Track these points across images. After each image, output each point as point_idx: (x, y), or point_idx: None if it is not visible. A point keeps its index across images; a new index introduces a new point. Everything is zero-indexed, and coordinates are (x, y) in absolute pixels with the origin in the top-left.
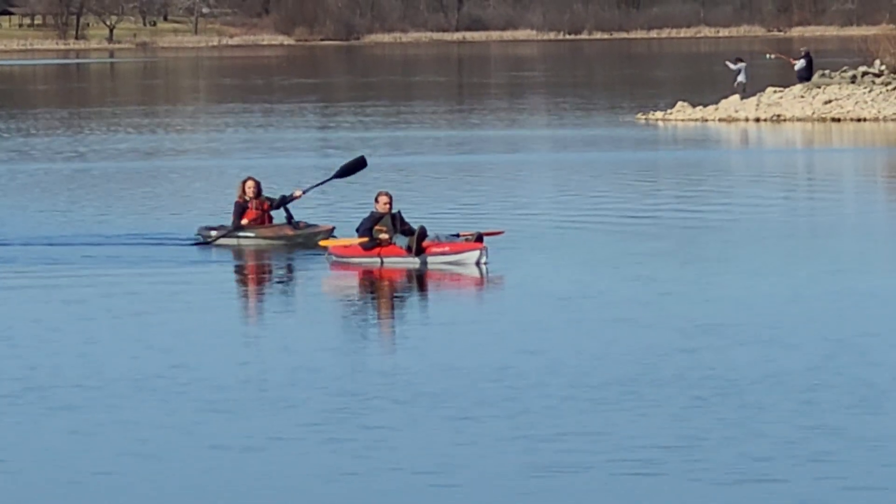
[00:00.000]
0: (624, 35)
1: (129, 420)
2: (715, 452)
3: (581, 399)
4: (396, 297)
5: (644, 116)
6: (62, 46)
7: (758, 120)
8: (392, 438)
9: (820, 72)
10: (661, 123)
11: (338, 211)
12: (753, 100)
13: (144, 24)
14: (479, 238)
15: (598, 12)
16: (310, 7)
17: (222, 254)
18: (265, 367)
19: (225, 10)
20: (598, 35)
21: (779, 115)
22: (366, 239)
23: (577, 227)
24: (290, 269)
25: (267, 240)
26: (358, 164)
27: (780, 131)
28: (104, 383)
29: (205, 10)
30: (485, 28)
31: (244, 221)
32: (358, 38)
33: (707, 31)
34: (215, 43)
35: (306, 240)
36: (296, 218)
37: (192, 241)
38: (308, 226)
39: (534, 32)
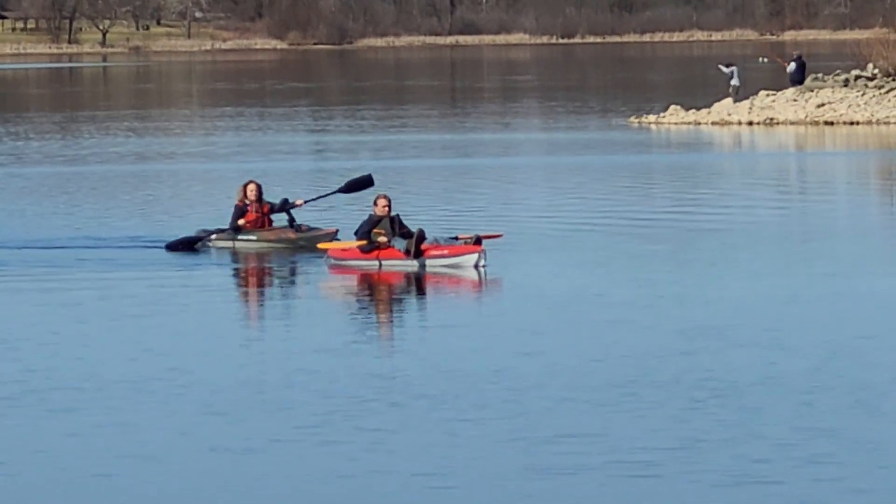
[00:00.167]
0: (617, 39)
1: (127, 422)
2: (713, 454)
3: (579, 401)
4: (395, 300)
5: (637, 120)
6: (55, 50)
7: (751, 123)
8: (390, 441)
9: (813, 75)
10: (653, 127)
11: (337, 214)
12: (746, 103)
13: (137, 29)
14: (477, 241)
15: (590, 16)
16: (303, 11)
17: (221, 256)
18: (263, 369)
19: (218, 14)
20: (591, 39)
21: (772, 119)
22: (364, 242)
23: (573, 230)
24: (288, 271)
25: (269, 243)
26: (364, 183)
27: (772, 135)
28: (102, 386)
29: (198, 15)
30: (478, 32)
31: (241, 221)
32: (351, 43)
33: (700, 35)
34: (208, 47)
35: (308, 243)
36: (297, 221)
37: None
38: (310, 229)
39: (527, 36)
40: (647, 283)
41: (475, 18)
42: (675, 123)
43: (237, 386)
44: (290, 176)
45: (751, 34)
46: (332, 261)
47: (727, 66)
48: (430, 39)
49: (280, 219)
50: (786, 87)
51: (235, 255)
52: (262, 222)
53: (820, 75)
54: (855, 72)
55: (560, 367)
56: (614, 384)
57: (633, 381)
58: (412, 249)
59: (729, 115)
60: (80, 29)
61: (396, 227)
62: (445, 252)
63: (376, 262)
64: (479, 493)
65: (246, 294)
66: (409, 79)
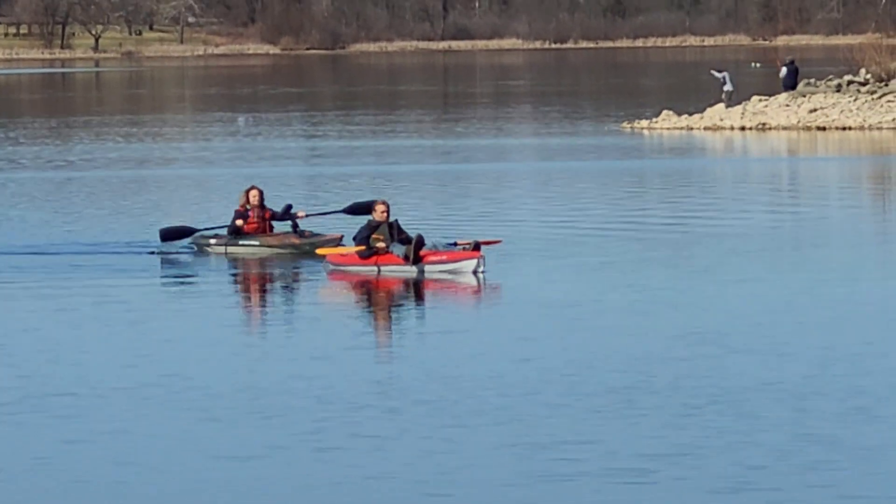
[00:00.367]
0: (610, 44)
1: (122, 429)
2: (708, 460)
3: (576, 407)
4: (393, 305)
5: (630, 125)
6: (48, 56)
7: (743, 129)
8: (386, 447)
9: (805, 80)
10: (646, 132)
11: (338, 220)
12: (739, 108)
13: (130, 34)
14: (476, 247)
15: (583, 21)
16: (295, 16)
17: (219, 263)
18: (260, 375)
19: (211, 19)
20: (584, 44)
21: (764, 124)
22: (363, 247)
23: (569, 236)
24: (286, 277)
25: (272, 248)
26: (368, 209)
27: (765, 140)
28: (99, 392)
29: (190, 20)
30: (470, 37)
31: (239, 222)
32: (343, 48)
33: (692, 40)
34: (201, 52)
35: (312, 249)
36: (301, 227)
37: (191, 249)
38: (313, 235)
39: (519, 41)
40: (644, 289)
41: (468, 23)
42: (668, 129)
43: (234, 392)
44: (284, 182)
45: (743, 39)
46: (331, 266)
47: (719, 71)
48: (422, 44)
49: (280, 225)
50: (778, 93)
51: (235, 260)
52: (264, 228)
53: (812, 80)
54: (847, 77)
55: (557, 373)
56: (611, 390)
57: (629, 388)
58: (411, 255)
59: (721, 120)
60: (73, 34)
61: (395, 232)
62: (444, 258)
63: (375, 268)
64: (476, 499)
65: (243, 300)
66: (402, 84)
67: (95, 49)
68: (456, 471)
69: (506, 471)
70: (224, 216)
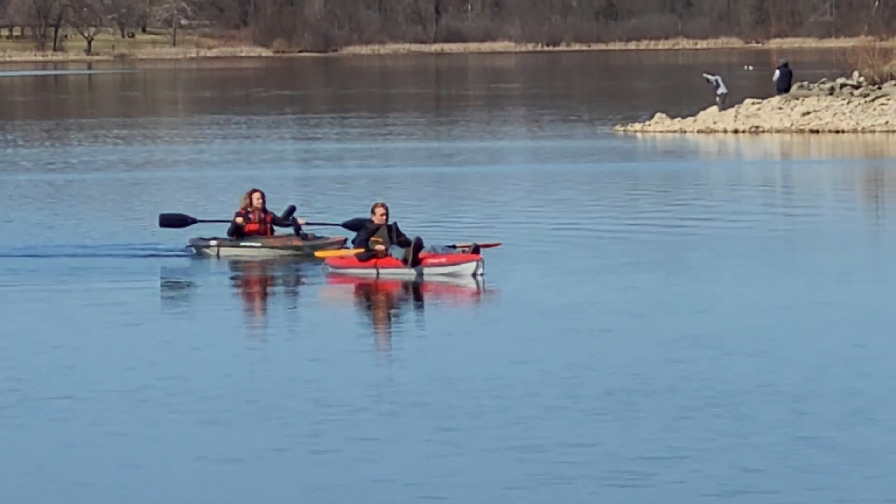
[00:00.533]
0: (602, 47)
1: (121, 431)
2: (706, 463)
3: (573, 410)
4: (392, 308)
5: (623, 128)
6: (40, 58)
7: (736, 131)
8: (382, 450)
9: (798, 83)
10: (639, 135)
11: (339, 219)
12: (732, 111)
13: (123, 36)
14: (475, 250)
15: (576, 24)
16: (288, 19)
17: (219, 265)
18: (258, 378)
19: (203, 21)
20: (577, 47)
21: (757, 127)
22: (362, 250)
23: (566, 239)
24: (285, 280)
25: (275, 250)
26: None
27: (758, 143)
28: (96, 395)
29: (183, 22)
30: (463, 40)
31: (240, 220)
32: (336, 50)
33: (685, 43)
34: (193, 55)
35: (314, 251)
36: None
37: (189, 252)
38: (316, 238)
39: (512, 44)
40: (640, 292)
41: (460, 26)
42: (661, 132)
43: (232, 395)
44: (282, 184)
45: (736, 42)
46: (330, 269)
47: (711, 75)
48: (415, 47)
49: (280, 228)
50: (771, 96)
51: (234, 263)
52: (265, 231)
53: (805, 83)
54: (840, 80)
55: (555, 375)
56: (609, 393)
57: (627, 390)
58: (410, 258)
59: (714, 123)
60: (66, 36)
61: (394, 235)
62: (443, 260)
63: (374, 271)
64: (474, 502)
65: (242, 302)
66: (395, 87)
67: (88, 51)
68: (454, 473)
69: (504, 473)
70: (222, 216)
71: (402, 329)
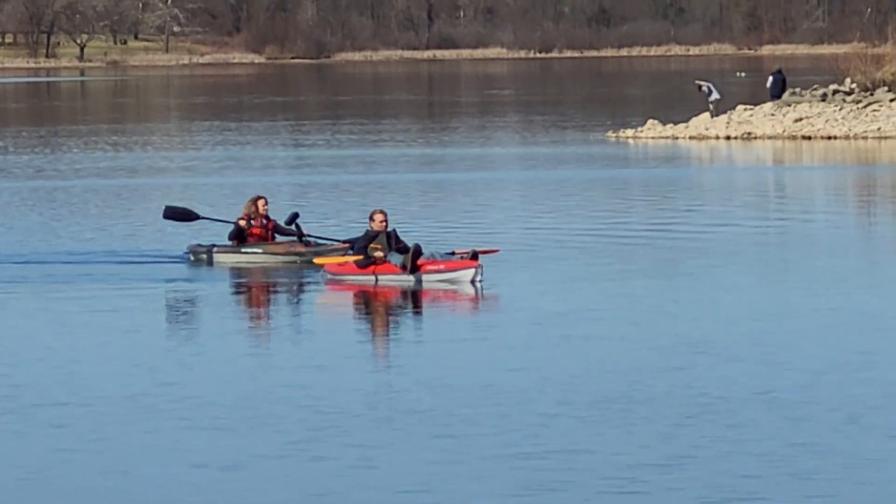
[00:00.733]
0: (594, 53)
1: (117, 438)
2: (702, 470)
3: (569, 416)
4: (390, 315)
5: (615, 134)
6: (32, 65)
7: (728, 138)
8: (379, 457)
9: (791, 90)
10: (631, 141)
11: (339, 230)
12: (724, 117)
13: (115, 43)
14: (474, 256)
15: (568, 30)
16: (280, 25)
17: (217, 271)
18: (255, 384)
19: (196, 28)
20: (569, 53)
21: (749, 133)
22: (360, 257)
23: (561, 246)
24: (283, 286)
25: (277, 256)
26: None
27: (750, 149)
28: (92, 401)
29: (175, 29)
30: (455, 46)
31: (242, 222)
32: (329, 57)
33: (677, 50)
34: (186, 61)
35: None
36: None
37: (187, 258)
38: (319, 244)
39: (504, 51)
40: (635, 299)
41: (453, 33)
42: (653, 138)
43: (228, 401)
44: (277, 191)
45: (728, 49)
46: (328, 276)
47: (703, 82)
48: (407, 54)
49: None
50: (764, 102)
51: (233, 269)
52: (267, 237)
53: (798, 90)
54: (833, 86)
55: (550, 382)
56: (604, 400)
57: (622, 397)
58: (408, 264)
59: (707, 129)
60: (58, 43)
61: (393, 242)
62: (442, 267)
63: (373, 278)
64: None
65: (239, 309)
66: (388, 93)
67: (80, 58)
68: (451, 480)
69: (500, 480)
70: (222, 217)
71: (401, 336)
